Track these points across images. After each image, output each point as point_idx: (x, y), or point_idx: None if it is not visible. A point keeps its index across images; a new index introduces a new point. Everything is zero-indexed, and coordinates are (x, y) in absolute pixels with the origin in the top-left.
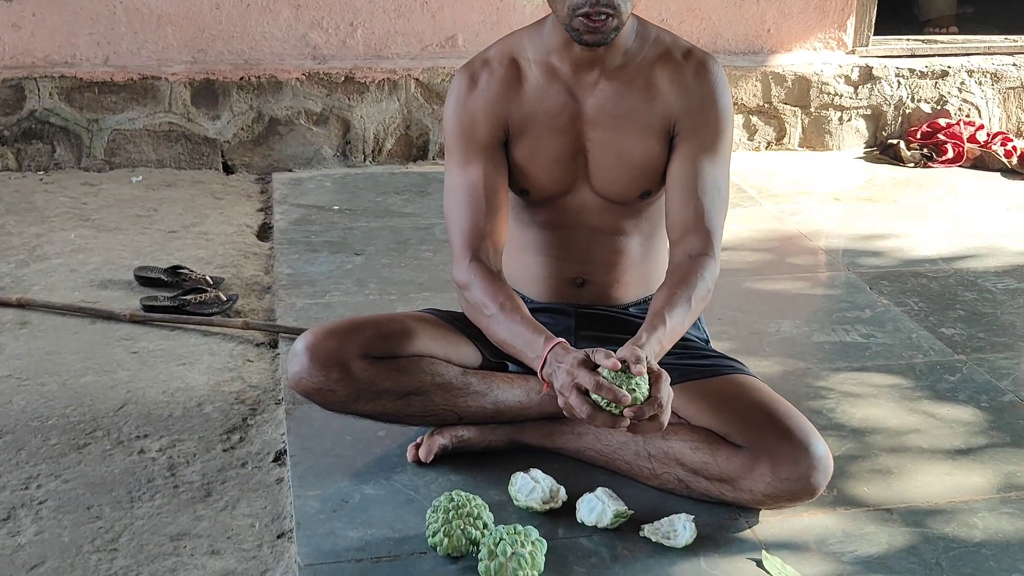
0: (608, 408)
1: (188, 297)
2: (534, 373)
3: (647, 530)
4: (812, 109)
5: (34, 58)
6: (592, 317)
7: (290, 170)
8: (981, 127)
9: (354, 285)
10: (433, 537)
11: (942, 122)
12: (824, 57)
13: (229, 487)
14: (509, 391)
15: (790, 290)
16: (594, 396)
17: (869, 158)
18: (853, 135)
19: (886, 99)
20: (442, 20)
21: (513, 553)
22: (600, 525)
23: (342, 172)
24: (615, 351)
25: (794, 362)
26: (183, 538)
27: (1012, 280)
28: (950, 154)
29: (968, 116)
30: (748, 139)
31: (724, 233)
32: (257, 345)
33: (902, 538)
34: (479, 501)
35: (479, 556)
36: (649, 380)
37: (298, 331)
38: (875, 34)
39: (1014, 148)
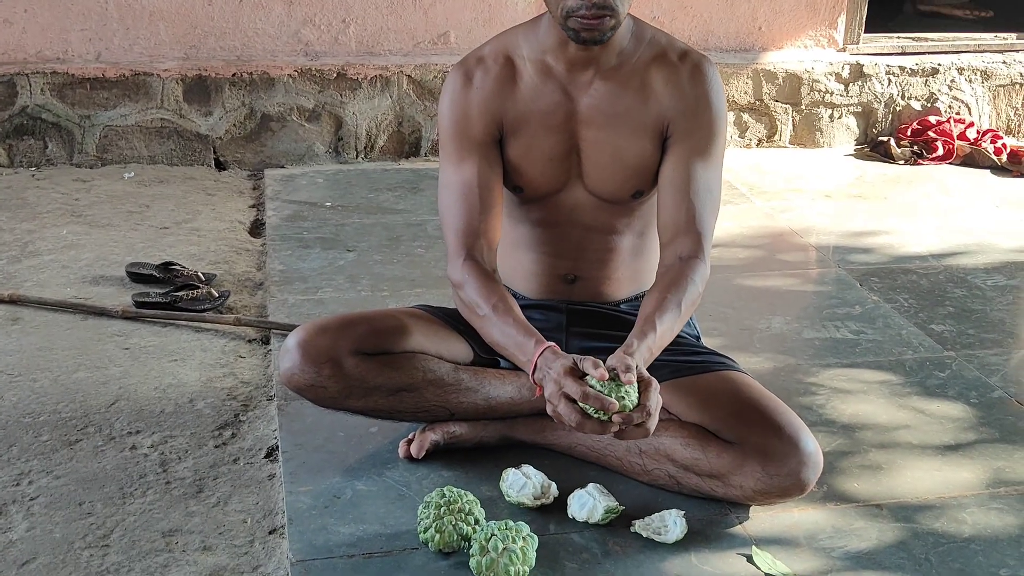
0: (596, 415)
1: (180, 293)
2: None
3: (638, 526)
4: (803, 106)
5: (26, 54)
6: (583, 314)
7: (282, 166)
8: (971, 124)
9: (346, 281)
10: (425, 533)
11: (932, 119)
12: (815, 55)
13: (221, 483)
14: (501, 387)
15: (781, 287)
16: (581, 404)
17: (860, 155)
18: (844, 132)
19: (877, 96)
20: (434, 17)
21: (504, 549)
22: (591, 521)
23: (334, 168)
24: (606, 349)
25: (784, 358)
26: (175, 534)
27: (1001, 277)
28: (940, 151)
29: (958, 113)
30: (739, 136)
31: (715, 230)
32: (249, 341)
33: (892, 533)
34: (470, 497)
35: (470, 552)
36: (638, 388)
37: (290, 327)
38: (866, 31)
39: (1004, 145)
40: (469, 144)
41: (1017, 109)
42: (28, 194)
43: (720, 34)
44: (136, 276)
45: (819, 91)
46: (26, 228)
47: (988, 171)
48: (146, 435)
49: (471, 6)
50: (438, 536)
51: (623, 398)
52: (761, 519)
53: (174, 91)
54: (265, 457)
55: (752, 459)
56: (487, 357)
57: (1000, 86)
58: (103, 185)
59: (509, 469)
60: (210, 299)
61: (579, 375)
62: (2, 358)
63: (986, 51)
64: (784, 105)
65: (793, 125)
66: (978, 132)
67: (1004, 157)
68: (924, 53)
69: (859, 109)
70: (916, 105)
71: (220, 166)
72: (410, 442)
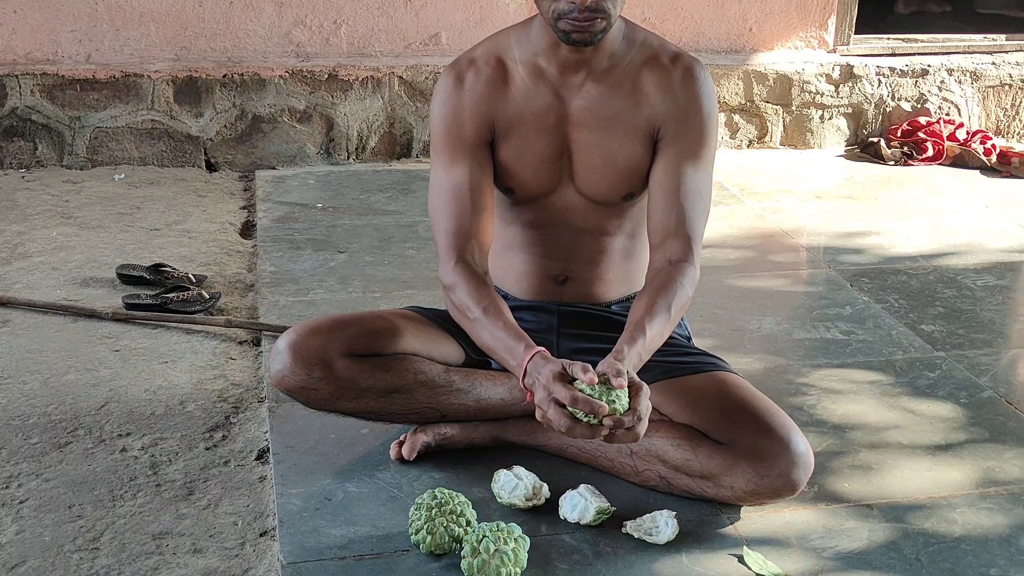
0: (586, 420)
1: (171, 295)
2: None
3: (629, 527)
4: (793, 107)
5: (15, 55)
6: (574, 315)
7: (273, 168)
8: (961, 125)
9: (337, 283)
10: (416, 534)
11: (922, 120)
12: (805, 56)
13: (212, 485)
14: (492, 389)
15: (771, 287)
16: (571, 409)
17: (850, 156)
18: (834, 133)
19: (867, 97)
20: (426, 18)
21: (496, 550)
22: (583, 522)
23: (326, 170)
24: (597, 351)
25: (775, 359)
26: (165, 537)
27: (991, 277)
28: (930, 152)
29: (948, 114)
30: (730, 137)
31: (706, 231)
32: (240, 343)
33: (882, 533)
34: (462, 498)
35: (462, 553)
36: (629, 392)
37: (281, 329)
38: (856, 33)
39: (993, 146)
40: (460, 146)
41: (1006, 110)
42: (18, 196)
43: (711, 35)
44: (126, 278)
45: (809, 92)
46: (16, 230)
47: (978, 172)
48: (136, 437)
49: (462, 7)
50: (429, 538)
51: (613, 402)
52: (752, 519)
53: (165, 92)
54: (256, 459)
55: (743, 460)
56: (478, 358)
57: (989, 87)
58: (93, 187)
59: (500, 470)
60: (201, 301)
61: (568, 380)
62: None
63: (975, 52)
64: (775, 106)
65: (784, 126)
66: (968, 133)
67: (994, 158)
68: (914, 54)
69: (849, 110)
70: (906, 106)
71: (211, 167)
72: (401, 444)
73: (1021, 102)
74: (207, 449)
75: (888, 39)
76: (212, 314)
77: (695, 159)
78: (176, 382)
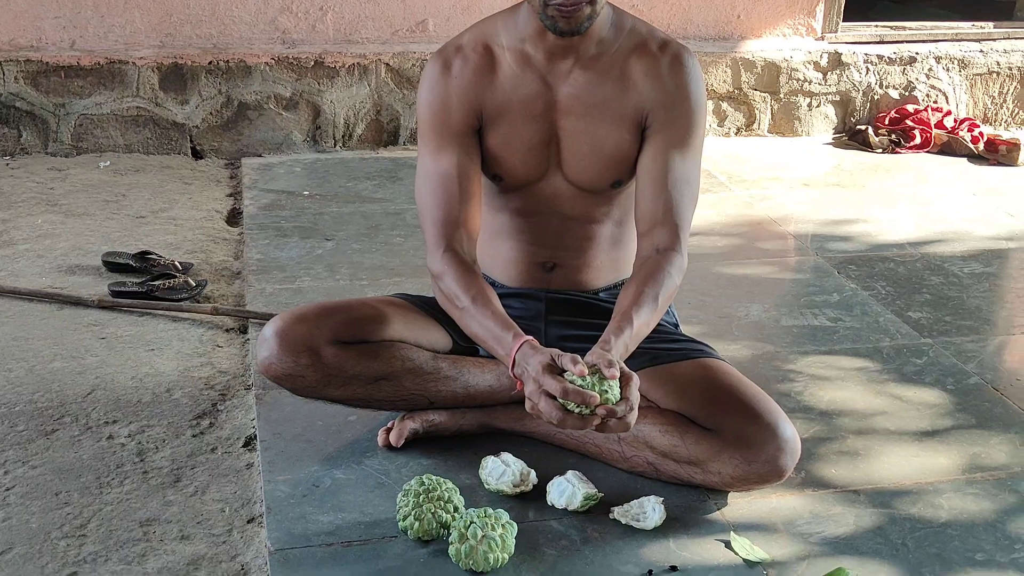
0: (578, 411)
1: (157, 283)
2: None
3: (617, 512)
4: (781, 95)
5: None
6: (562, 302)
7: (260, 155)
8: (948, 113)
9: (324, 270)
10: (404, 521)
11: (910, 108)
12: (793, 43)
13: (199, 472)
14: (480, 376)
15: (759, 274)
16: (561, 400)
17: (838, 144)
18: (822, 121)
19: (855, 85)
20: (412, 4)
21: (484, 536)
22: (570, 508)
23: (312, 157)
24: (584, 338)
25: (763, 346)
26: (152, 523)
27: (978, 264)
28: (918, 140)
29: (936, 102)
30: (718, 125)
31: (694, 219)
32: (227, 331)
33: (869, 519)
34: (450, 485)
35: (450, 539)
36: (620, 382)
37: (268, 316)
38: (844, 20)
39: (981, 134)
40: (448, 134)
41: (994, 97)
42: (2, 183)
43: (699, 22)
44: (112, 265)
45: (797, 80)
46: (0, 218)
47: (965, 159)
48: (123, 425)
49: None
50: (417, 524)
51: (605, 392)
52: (739, 505)
53: (150, 79)
54: (243, 446)
55: (730, 446)
56: (466, 345)
57: (977, 75)
58: (78, 174)
59: (488, 457)
60: (187, 288)
61: (558, 371)
62: None
63: (963, 40)
64: (763, 94)
65: (771, 114)
66: (955, 120)
67: (981, 145)
68: (902, 42)
69: (837, 98)
70: (894, 94)
71: (197, 155)
72: (389, 431)
73: (1008, 90)
74: (194, 436)
75: (876, 26)
76: (198, 302)
77: (683, 147)
78: (163, 370)
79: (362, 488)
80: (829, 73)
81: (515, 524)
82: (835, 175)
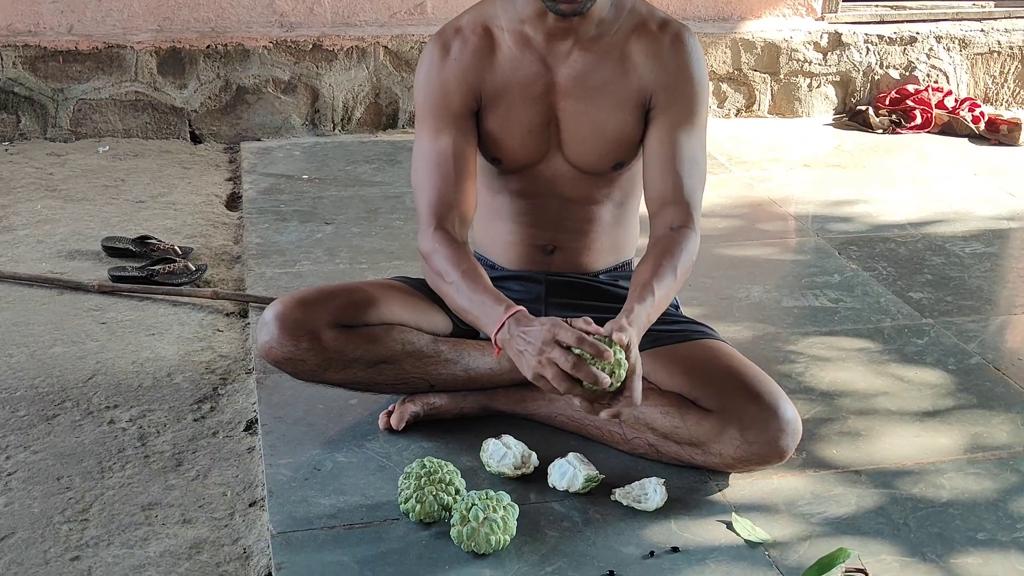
0: (587, 386)
1: (157, 267)
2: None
3: (618, 494)
4: (781, 76)
5: None
6: (562, 284)
7: (258, 139)
8: (949, 93)
9: (324, 254)
10: (405, 503)
11: (910, 88)
12: (793, 24)
13: (200, 456)
14: (480, 358)
15: (760, 256)
16: (576, 351)
17: (838, 124)
18: (822, 102)
19: (855, 65)
20: None
21: (485, 518)
22: (572, 490)
23: (311, 141)
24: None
25: (764, 327)
26: (154, 507)
27: (979, 244)
28: (918, 120)
29: (936, 82)
30: (718, 106)
31: None
32: (227, 315)
33: (870, 499)
34: (451, 467)
35: (451, 522)
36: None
37: (268, 300)
38: (844, 0)
39: (982, 114)
40: (446, 116)
41: (995, 77)
42: (1, 169)
43: (699, 3)
44: (112, 250)
45: (797, 60)
46: (0, 203)
47: (966, 140)
48: (124, 409)
49: None
50: (419, 506)
51: (619, 355)
52: (740, 486)
53: (148, 64)
54: (244, 430)
55: (731, 427)
56: (466, 328)
57: (978, 54)
58: (77, 159)
59: (489, 439)
60: (187, 273)
61: (564, 347)
62: None
63: (964, 19)
64: (763, 75)
65: (772, 95)
66: (956, 101)
67: (982, 125)
68: (902, 22)
69: (837, 78)
70: (894, 74)
71: (195, 139)
72: (390, 414)
73: (1009, 69)
74: (195, 420)
75: (876, 6)
76: (198, 286)
77: (688, 126)
78: (163, 354)
79: (363, 471)
80: (829, 53)
81: (516, 506)
82: (835, 156)
